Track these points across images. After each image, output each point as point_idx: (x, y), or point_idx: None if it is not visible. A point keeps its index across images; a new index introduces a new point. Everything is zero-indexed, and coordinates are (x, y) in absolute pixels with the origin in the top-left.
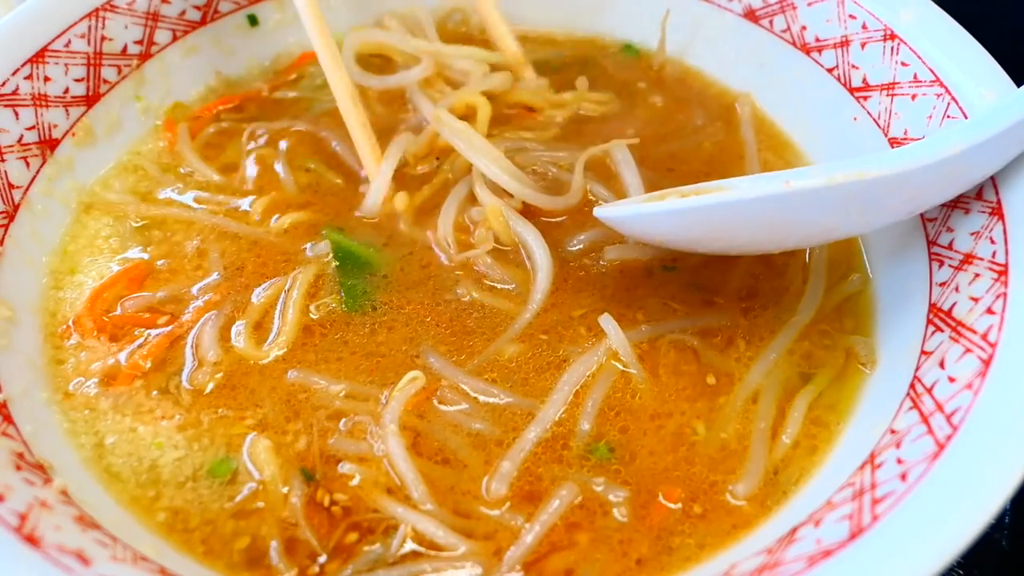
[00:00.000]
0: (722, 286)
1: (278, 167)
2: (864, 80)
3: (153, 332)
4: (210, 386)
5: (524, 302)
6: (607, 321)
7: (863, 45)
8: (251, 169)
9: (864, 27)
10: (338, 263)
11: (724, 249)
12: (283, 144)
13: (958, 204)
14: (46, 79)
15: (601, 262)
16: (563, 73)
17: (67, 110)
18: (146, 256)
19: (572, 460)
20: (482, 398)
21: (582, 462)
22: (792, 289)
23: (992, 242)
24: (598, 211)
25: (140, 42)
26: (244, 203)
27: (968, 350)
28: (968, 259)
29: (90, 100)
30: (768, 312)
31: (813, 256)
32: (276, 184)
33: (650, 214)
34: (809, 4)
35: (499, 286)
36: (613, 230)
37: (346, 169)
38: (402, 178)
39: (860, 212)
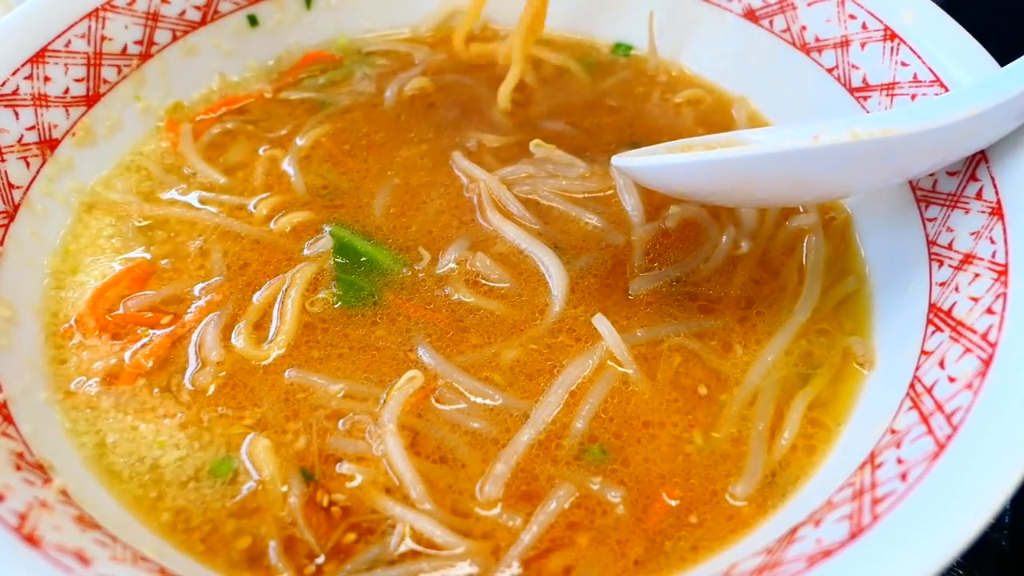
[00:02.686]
0: (721, 294)
1: (289, 168)
2: (864, 80)
3: (156, 332)
4: (212, 387)
5: (521, 305)
6: (600, 321)
7: (863, 45)
8: (262, 169)
9: (864, 27)
10: (338, 257)
11: (742, 201)
12: (297, 144)
13: (958, 204)
14: (46, 79)
15: (630, 292)
16: (558, 73)
17: (67, 110)
18: (149, 256)
19: (569, 460)
20: (479, 399)
21: (578, 463)
22: (788, 289)
23: (992, 242)
24: (617, 160)
25: (140, 42)
26: (248, 203)
27: (968, 350)
28: (968, 259)
29: (90, 100)
30: (765, 314)
31: (809, 257)
32: (285, 185)
33: (675, 165)
34: (809, 4)
35: (496, 285)
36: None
37: (356, 176)
38: None
39: (880, 169)
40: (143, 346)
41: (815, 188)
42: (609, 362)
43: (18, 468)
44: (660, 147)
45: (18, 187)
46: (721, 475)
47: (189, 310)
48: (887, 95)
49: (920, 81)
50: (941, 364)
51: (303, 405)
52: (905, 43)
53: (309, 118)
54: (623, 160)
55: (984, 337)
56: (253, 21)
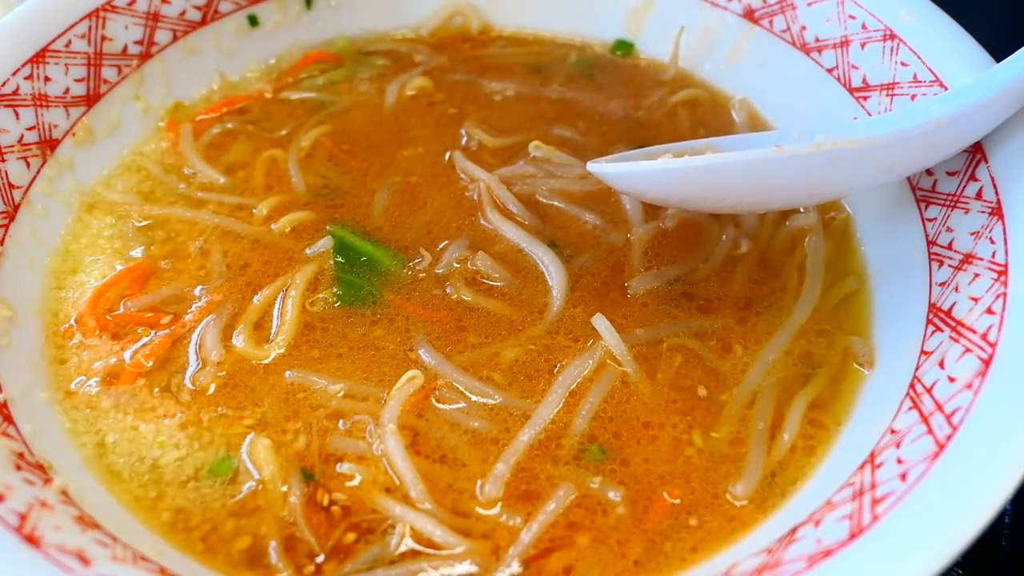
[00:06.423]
0: (721, 294)
1: (290, 168)
2: (864, 80)
3: (156, 332)
4: (212, 387)
5: (520, 304)
6: (600, 321)
7: (863, 45)
8: (262, 169)
9: (864, 27)
10: (338, 257)
11: (712, 208)
12: (299, 144)
13: (958, 204)
14: (46, 79)
15: (629, 291)
16: (561, 73)
17: (67, 110)
18: (149, 256)
19: (568, 460)
20: (479, 398)
21: (577, 463)
22: (788, 289)
23: (992, 242)
24: (591, 165)
25: (140, 42)
26: (248, 203)
27: (968, 350)
28: (968, 259)
29: (90, 100)
30: (765, 314)
31: (809, 257)
32: (286, 185)
33: (643, 172)
34: (809, 4)
35: (495, 285)
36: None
37: (356, 176)
38: None
39: (846, 176)
40: (143, 346)
41: (785, 195)
42: (609, 362)
43: (18, 468)
44: (638, 152)
45: (18, 187)
46: (721, 475)
47: (189, 310)
48: (887, 95)
49: (920, 81)
50: (941, 364)
51: (303, 405)
52: (905, 43)
53: (309, 118)
54: (596, 165)
55: (984, 337)
56: (253, 21)
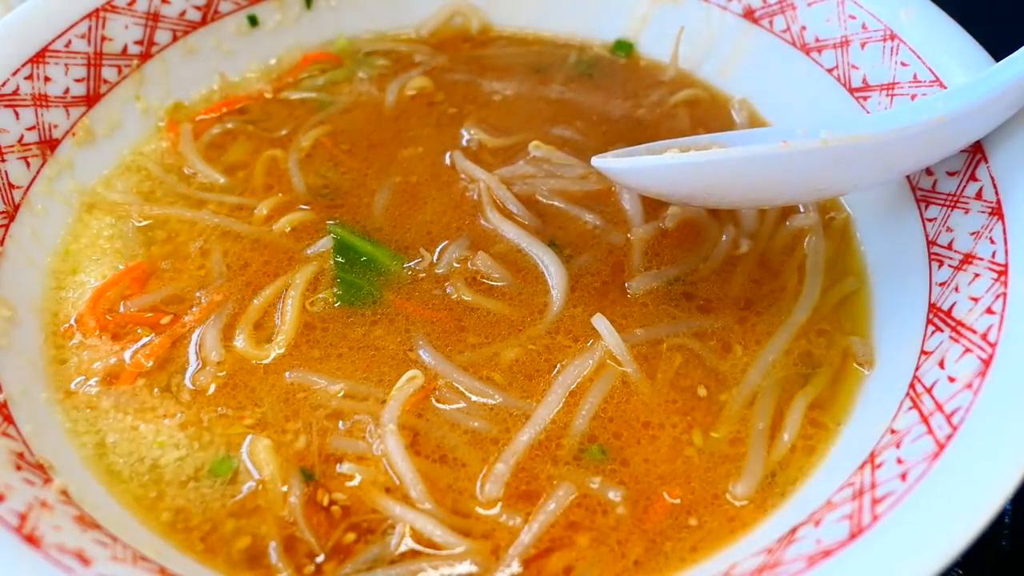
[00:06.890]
0: (721, 294)
1: (290, 168)
2: (864, 80)
3: (156, 332)
4: (212, 387)
5: (520, 304)
6: (600, 320)
7: (863, 45)
8: (262, 169)
9: (864, 27)
10: (338, 257)
11: (717, 203)
12: (299, 144)
13: (958, 204)
14: (46, 79)
15: (629, 291)
16: (561, 73)
17: (67, 110)
18: (149, 256)
19: (568, 460)
20: (478, 398)
21: (577, 463)
22: (788, 289)
23: (992, 242)
24: (596, 161)
25: (140, 42)
26: (248, 203)
27: (968, 350)
28: (968, 259)
29: (90, 100)
30: (765, 314)
31: (809, 257)
32: (286, 185)
33: (648, 167)
34: (809, 4)
35: (496, 284)
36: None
37: (357, 175)
38: None
39: (850, 173)
40: (143, 346)
41: (790, 191)
42: (609, 362)
43: (18, 468)
44: (641, 148)
45: (18, 187)
46: (721, 475)
47: (189, 310)
48: (887, 95)
49: (920, 81)
50: (941, 364)
51: (303, 405)
52: (905, 43)
53: (309, 118)
54: (601, 161)
55: (984, 337)
56: (253, 21)
